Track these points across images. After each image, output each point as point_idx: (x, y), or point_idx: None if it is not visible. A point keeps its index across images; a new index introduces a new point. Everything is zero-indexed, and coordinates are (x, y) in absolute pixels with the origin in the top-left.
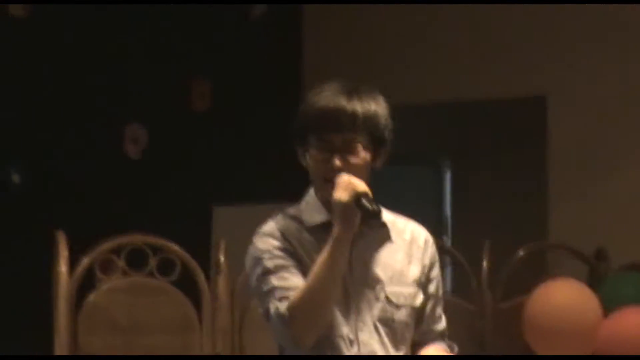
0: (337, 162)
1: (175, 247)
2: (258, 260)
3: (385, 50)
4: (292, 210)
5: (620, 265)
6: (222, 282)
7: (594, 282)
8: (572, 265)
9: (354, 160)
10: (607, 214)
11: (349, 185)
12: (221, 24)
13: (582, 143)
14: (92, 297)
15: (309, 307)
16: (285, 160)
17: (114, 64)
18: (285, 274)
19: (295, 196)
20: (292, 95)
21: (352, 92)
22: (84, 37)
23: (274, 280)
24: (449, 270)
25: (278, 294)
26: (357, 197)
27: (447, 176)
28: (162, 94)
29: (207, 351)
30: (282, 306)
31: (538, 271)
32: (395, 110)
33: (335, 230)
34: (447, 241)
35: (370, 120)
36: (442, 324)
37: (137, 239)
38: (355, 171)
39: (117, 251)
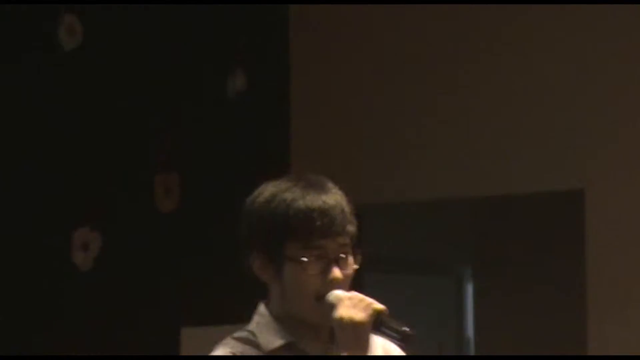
0: (338, 274)
1: None
2: None
3: (391, 134)
4: (242, 334)
5: None
6: None
7: None
8: None
9: (347, 270)
10: None
11: (360, 302)
12: (190, 104)
13: (627, 245)
14: None
15: None
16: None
17: (57, 156)
18: None
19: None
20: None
21: (323, 188)
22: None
23: None
24: None
25: None
26: (378, 316)
27: (469, 287)
28: (118, 191)
29: None
30: None
31: None
32: (404, 209)
33: (348, 352)
34: None
35: (352, 223)
36: None
37: None
38: (346, 284)
39: None
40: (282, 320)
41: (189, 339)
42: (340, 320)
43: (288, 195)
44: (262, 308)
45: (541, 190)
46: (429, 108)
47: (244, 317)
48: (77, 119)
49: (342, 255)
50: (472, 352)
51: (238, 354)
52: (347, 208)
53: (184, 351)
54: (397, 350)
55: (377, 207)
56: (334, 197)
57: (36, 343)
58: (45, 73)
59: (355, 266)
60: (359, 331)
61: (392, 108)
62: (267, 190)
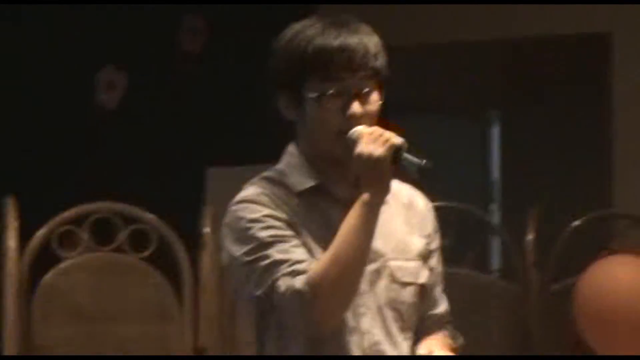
0: (358, 108)
1: (149, 216)
2: (246, 232)
3: None
4: (272, 173)
5: None
6: (207, 260)
7: None
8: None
9: (370, 106)
10: None
11: (380, 137)
12: None
13: None
14: (48, 278)
15: (337, 281)
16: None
17: None
18: (286, 246)
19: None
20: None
21: (348, 26)
22: None
23: (276, 254)
24: (496, 245)
25: (285, 268)
26: (397, 150)
27: (495, 132)
28: (143, 30)
29: (188, 344)
30: (298, 282)
31: (599, 246)
32: (428, 51)
33: (367, 192)
34: (494, 210)
35: (376, 57)
36: (442, 307)
37: (103, 206)
38: (370, 120)
39: (79, 222)
40: (311, 160)
41: (215, 179)
42: (360, 156)
43: (308, 33)
44: (291, 148)
45: (569, 32)
46: None
47: (268, 157)
48: None
49: (364, 91)
50: (497, 193)
51: (268, 193)
52: (372, 44)
53: (210, 191)
54: (422, 205)
55: (405, 49)
56: (355, 33)
57: (63, 182)
58: None
59: (379, 102)
60: (377, 166)
61: None
62: (291, 29)
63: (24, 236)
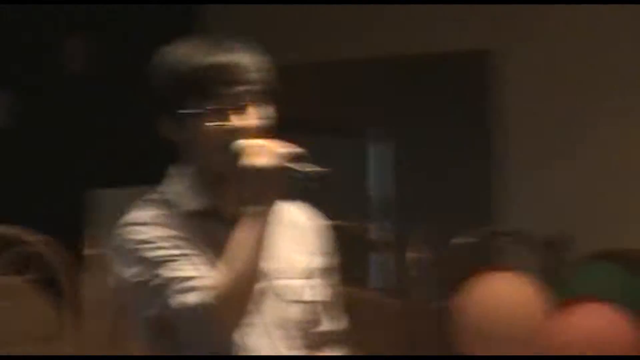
0: (237, 122)
1: (32, 238)
2: (134, 253)
3: None
4: (156, 196)
5: (581, 255)
6: (90, 282)
7: (547, 274)
8: (524, 256)
9: (251, 121)
10: (566, 194)
11: (264, 147)
12: None
13: (536, 109)
14: None
15: (229, 295)
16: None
17: None
18: (175, 265)
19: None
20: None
21: (221, 44)
22: None
23: (165, 273)
24: (375, 262)
25: (176, 286)
26: (285, 160)
27: (372, 149)
28: (29, 53)
29: None
30: (190, 298)
31: (483, 264)
32: (312, 69)
33: (253, 203)
34: (375, 228)
35: (253, 72)
36: (339, 324)
37: None
38: (252, 134)
39: None
40: (196, 180)
41: (97, 201)
42: (243, 168)
43: (180, 53)
44: (173, 170)
45: (448, 50)
46: None
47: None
48: None
49: (242, 105)
50: (390, 211)
51: (154, 215)
52: (246, 59)
53: (93, 213)
54: (306, 221)
55: (287, 67)
56: (228, 51)
57: None
58: None
59: (261, 116)
60: (262, 177)
61: None
62: (165, 52)
63: None
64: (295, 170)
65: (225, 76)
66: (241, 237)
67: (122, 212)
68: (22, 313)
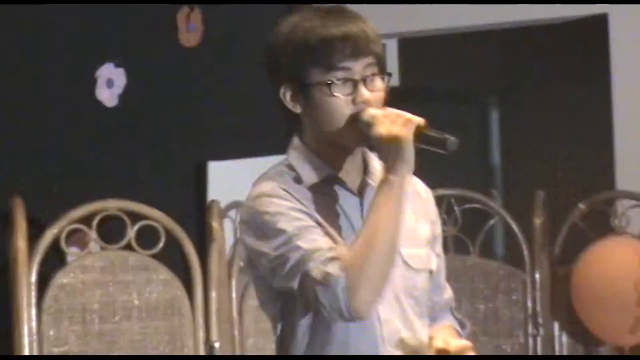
0: (366, 93)
1: (157, 213)
2: (269, 225)
3: None
4: (281, 168)
5: None
6: (216, 255)
7: None
8: None
9: (376, 92)
10: None
11: (398, 117)
12: None
13: None
14: (58, 278)
15: (372, 266)
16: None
17: None
18: (313, 236)
19: None
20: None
21: (345, 14)
22: None
23: (304, 244)
24: (499, 231)
25: (317, 257)
26: (419, 128)
27: (494, 116)
28: (141, 27)
29: (199, 339)
30: (332, 269)
31: (604, 228)
32: (427, 39)
33: (391, 173)
34: (497, 196)
35: (376, 43)
36: (447, 293)
37: (111, 204)
38: (377, 105)
39: (88, 221)
40: (319, 151)
41: (216, 173)
42: (381, 137)
43: (307, 24)
44: (296, 141)
45: (564, 16)
46: None
47: (268, 150)
48: None
49: (370, 76)
50: (498, 178)
51: (284, 187)
52: (370, 30)
53: (211, 185)
54: (421, 187)
55: (402, 38)
56: (354, 21)
57: (68, 180)
58: None
59: (384, 87)
60: (402, 146)
61: None
62: (288, 21)
63: (33, 236)
64: (432, 139)
65: (355, 47)
66: (381, 207)
67: (243, 183)
68: (149, 288)
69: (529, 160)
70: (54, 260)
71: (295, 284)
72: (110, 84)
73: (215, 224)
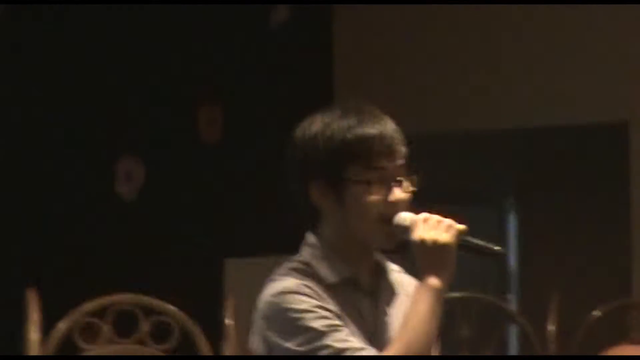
0: (400, 194)
1: (171, 308)
2: (296, 322)
3: (433, 63)
4: (297, 265)
5: None
6: (230, 352)
7: None
8: None
9: (405, 193)
10: None
11: (439, 223)
12: (234, 35)
13: None
14: None
15: None
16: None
17: (103, 85)
18: (342, 335)
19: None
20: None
21: (378, 114)
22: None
23: (335, 343)
24: (513, 335)
25: (351, 356)
26: (460, 237)
27: (511, 218)
28: (162, 121)
29: None
30: None
31: (619, 336)
32: (445, 140)
33: (430, 278)
34: (512, 299)
35: (404, 145)
36: None
37: (125, 298)
38: (405, 207)
39: (101, 314)
40: (338, 249)
41: (232, 270)
42: (422, 242)
43: (344, 122)
44: (312, 239)
45: (584, 122)
46: (469, 41)
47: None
48: (121, 52)
49: (401, 177)
50: (515, 283)
51: (306, 284)
52: (399, 132)
53: (228, 281)
54: (410, 282)
55: (420, 137)
56: (387, 121)
57: (84, 273)
58: None
59: (413, 188)
60: (443, 252)
61: (434, 40)
62: (319, 119)
63: (46, 328)
64: (475, 246)
65: (390, 147)
66: (422, 312)
67: (258, 281)
68: None
69: (546, 264)
70: (66, 353)
71: None
72: (129, 177)
73: (229, 322)
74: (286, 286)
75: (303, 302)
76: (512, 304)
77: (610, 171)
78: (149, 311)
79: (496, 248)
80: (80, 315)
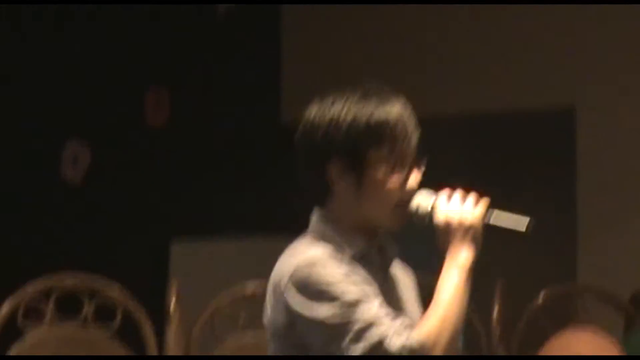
0: (417, 179)
1: (115, 290)
2: (326, 290)
3: (381, 54)
4: (310, 239)
5: None
6: (172, 335)
7: (629, 333)
8: (605, 314)
9: (419, 178)
10: None
11: (464, 199)
12: (181, 18)
13: (619, 165)
14: (13, 352)
15: (447, 342)
16: (261, 183)
17: (49, 69)
18: (375, 303)
19: (280, 227)
20: (269, 105)
21: (395, 97)
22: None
23: (369, 311)
24: None
25: (389, 325)
26: (488, 210)
27: None
28: (108, 105)
29: None
30: (411, 340)
31: (564, 322)
32: None
33: (459, 254)
34: None
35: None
36: None
37: (68, 280)
38: (419, 190)
39: (45, 295)
40: (349, 228)
41: (179, 253)
42: (450, 219)
43: (367, 105)
44: (321, 217)
45: (531, 107)
46: (412, 29)
47: (232, 231)
48: (67, 35)
49: (417, 159)
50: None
51: (331, 255)
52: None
53: (174, 264)
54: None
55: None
56: (404, 103)
57: (27, 254)
58: None
59: (424, 170)
60: (472, 228)
61: (384, 24)
62: (339, 100)
63: None
64: (504, 218)
65: (409, 131)
66: (455, 287)
67: (204, 263)
68: None
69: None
70: (9, 335)
71: (358, 350)
72: (75, 161)
73: (173, 304)
74: (314, 255)
75: (331, 270)
76: None
77: (557, 156)
78: (93, 293)
79: (525, 217)
80: (24, 296)
